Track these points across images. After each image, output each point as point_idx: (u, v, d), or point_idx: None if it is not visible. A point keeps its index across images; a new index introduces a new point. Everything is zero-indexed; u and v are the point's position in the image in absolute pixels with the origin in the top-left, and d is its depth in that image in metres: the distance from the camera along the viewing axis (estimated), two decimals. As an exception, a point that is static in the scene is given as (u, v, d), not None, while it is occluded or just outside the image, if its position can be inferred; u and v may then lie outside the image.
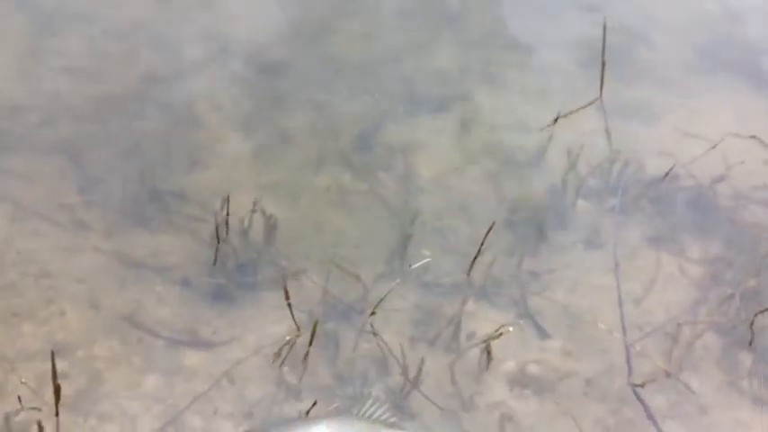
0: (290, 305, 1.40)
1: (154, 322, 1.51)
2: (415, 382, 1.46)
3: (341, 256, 1.68)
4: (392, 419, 1.10)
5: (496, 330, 1.48)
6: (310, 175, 1.90)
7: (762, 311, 1.58)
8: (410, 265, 1.49)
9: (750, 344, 1.57)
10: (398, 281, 1.55)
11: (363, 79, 2.21)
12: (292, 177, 1.88)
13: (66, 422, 1.30)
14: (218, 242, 1.61)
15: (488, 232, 1.59)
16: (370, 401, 1.11)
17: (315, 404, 1.34)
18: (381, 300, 1.49)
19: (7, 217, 1.65)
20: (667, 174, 1.90)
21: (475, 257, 1.65)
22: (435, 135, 2.07)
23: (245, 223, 1.68)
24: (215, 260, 1.61)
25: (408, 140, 2.03)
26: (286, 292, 1.39)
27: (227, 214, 1.62)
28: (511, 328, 1.50)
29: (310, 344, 1.43)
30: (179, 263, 1.63)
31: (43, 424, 1.25)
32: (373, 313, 1.50)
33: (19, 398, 1.28)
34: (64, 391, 1.29)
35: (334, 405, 1.23)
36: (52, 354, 1.20)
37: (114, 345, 1.45)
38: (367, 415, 1.09)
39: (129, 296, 1.55)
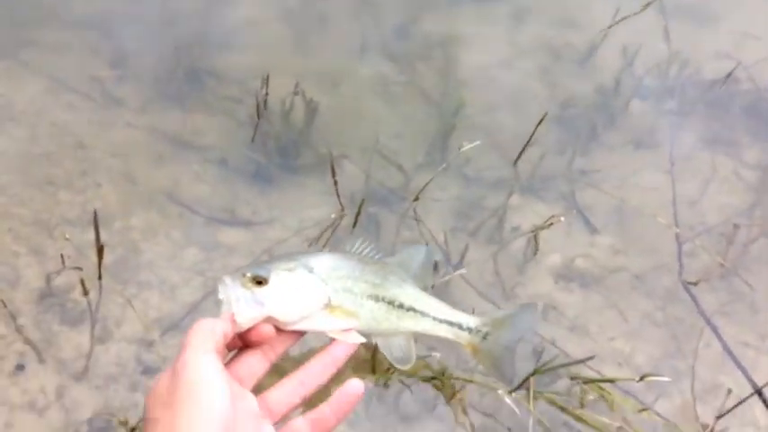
0: (336, 182, 1.35)
1: (192, 199, 1.47)
2: (458, 268, 1.42)
3: (381, 145, 1.62)
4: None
5: (546, 221, 1.43)
6: (351, 63, 1.82)
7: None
8: (459, 148, 1.42)
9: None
10: (444, 165, 1.49)
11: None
12: (333, 64, 1.80)
13: (106, 288, 1.28)
14: (258, 118, 1.55)
15: (540, 123, 1.52)
16: (359, 240, 1.10)
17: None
18: (426, 185, 1.43)
19: (41, 89, 1.60)
20: (728, 76, 1.81)
21: (523, 148, 1.58)
22: (483, 26, 1.98)
23: (286, 105, 1.62)
24: (253, 138, 1.56)
25: (453, 31, 1.94)
26: (332, 170, 1.33)
27: (267, 94, 1.56)
28: (562, 218, 1.44)
29: (355, 223, 1.39)
30: (216, 142, 1.58)
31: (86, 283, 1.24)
32: (417, 199, 1.45)
33: (62, 256, 1.26)
34: (104, 260, 1.27)
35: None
36: (95, 214, 1.16)
37: (152, 218, 1.42)
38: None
39: (166, 172, 1.51)
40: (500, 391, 1.11)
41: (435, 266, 1.21)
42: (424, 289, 1.08)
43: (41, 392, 1.16)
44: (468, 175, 1.61)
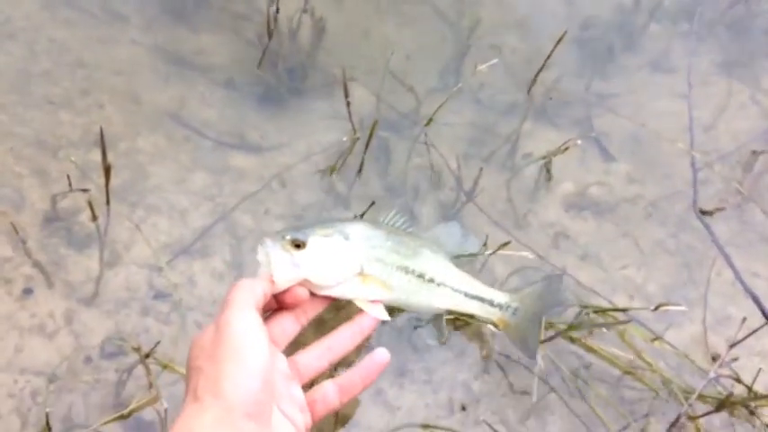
0: (348, 103, 1.31)
1: (199, 122, 1.43)
2: (470, 195, 1.40)
3: (392, 67, 1.56)
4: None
5: (562, 145, 1.40)
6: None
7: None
8: (476, 66, 1.38)
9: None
10: (459, 86, 1.44)
11: None
12: (340, -20, 1.73)
13: (113, 211, 1.26)
14: (269, 38, 1.49)
15: (557, 44, 1.46)
16: (393, 212, 1.11)
17: (372, 204, 1.28)
18: (439, 108, 1.39)
19: (38, 4, 1.53)
20: (742, -2, 1.75)
21: (538, 72, 1.53)
22: None
23: (294, 24, 1.56)
24: (260, 60, 1.51)
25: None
26: (345, 90, 1.29)
27: (277, 10, 1.50)
28: (579, 141, 1.42)
29: (366, 147, 1.36)
30: (223, 63, 1.53)
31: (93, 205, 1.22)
32: (429, 122, 1.41)
33: (68, 177, 1.23)
34: (110, 182, 1.24)
35: (393, 212, 1.17)
36: (101, 133, 1.13)
37: (159, 140, 1.38)
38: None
39: (172, 93, 1.46)
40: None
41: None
42: (457, 265, 1.12)
43: (50, 317, 1.16)
44: (481, 100, 1.56)
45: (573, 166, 1.49)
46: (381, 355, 0.98)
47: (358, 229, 1.04)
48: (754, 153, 1.47)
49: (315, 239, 0.98)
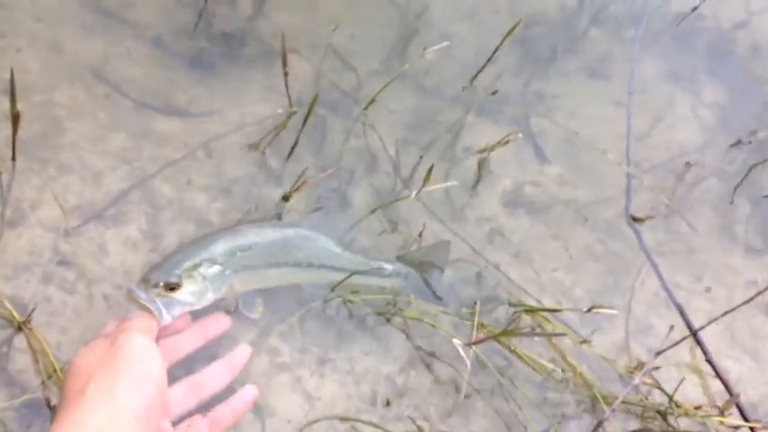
0: (286, 74, 1.24)
1: (122, 80, 1.33)
2: (407, 183, 1.35)
3: (335, 43, 1.50)
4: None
5: (501, 140, 1.37)
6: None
7: (761, 163, 1.52)
8: (425, 48, 1.33)
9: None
10: (406, 66, 1.38)
11: None
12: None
13: (21, 168, 1.15)
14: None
15: (507, 36, 1.43)
16: None
17: (301, 184, 1.22)
18: (382, 89, 1.33)
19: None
20: (693, 9, 1.76)
21: (483, 65, 1.50)
22: None
23: (234, -13, 1.48)
24: (197, 22, 1.42)
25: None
26: (284, 60, 1.21)
27: (216, -31, 1.41)
28: (521, 134, 1.40)
29: (305, 122, 1.29)
30: (154, 20, 1.42)
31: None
32: (372, 102, 1.35)
33: (-30, 125, 1.11)
34: (20, 135, 1.13)
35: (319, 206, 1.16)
36: (11, 75, 1.01)
37: (77, 94, 1.27)
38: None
39: (96, 46, 1.35)
40: (455, 341, 1.08)
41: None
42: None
43: (-60, 276, 1.04)
44: (425, 87, 1.52)
45: (510, 163, 1.46)
46: (249, 391, 0.99)
47: (221, 246, 1.06)
48: (688, 164, 1.49)
49: (187, 277, 1.00)
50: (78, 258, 1.10)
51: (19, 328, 1.02)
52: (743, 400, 1.20)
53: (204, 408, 0.96)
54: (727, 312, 1.16)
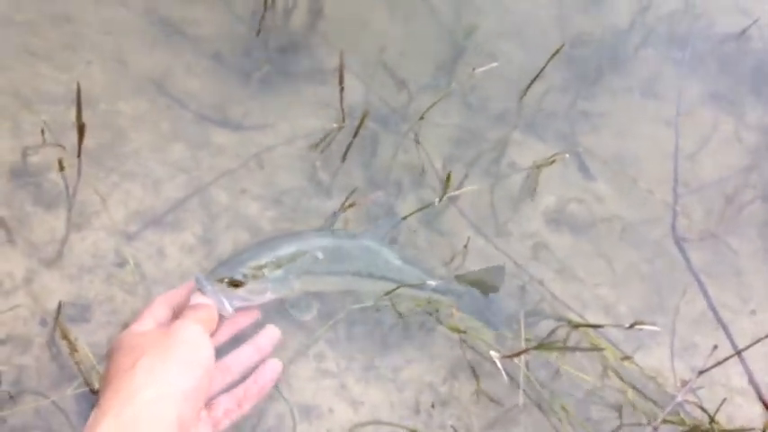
0: (342, 89, 1.28)
1: (182, 92, 1.38)
2: (453, 198, 1.38)
3: (386, 59, 1.54)
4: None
5: (549, 158, 1.39)
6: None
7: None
8: (473, 69, 1.36)
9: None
10: (453, 85, 1.42)
11: None
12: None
13: (86, 174, 1.21)
14: (265, 10, 1.45)
15: (553, 56, 1.45)
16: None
17: (351, 204, 1.26)
18: (431, 106, 1.37)
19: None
20: (743, 32, 1.76)
21: (531, 83, 1.53)
22: None
23: (289, 4, 1.53)
24: (258, 31, 1.47)
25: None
26: (341, 75, 1.25)
27: (274, -13, 1.47)
28: (567, 155, 1.41)
29: (355, 135, 1.33)
30: (213, 35, 1.48)
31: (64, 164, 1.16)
32: (422, 118, 1.39)
33: (42, 132, 1.17)
34: (85, 143, 1.19)
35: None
36: (78, 88, 1.07)
37: (140, 105, 1.33)
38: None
39: (158, 60, 1.41)
40: (492, 353, 1.10)
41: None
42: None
43: (8, 276, 1.10)
44: (471, 104, 1.55)
45: (555, 180, 1.48)
46: (273, 366, 1.01)
47: (286, 251, 1.10)
48: (735, 186, 1.49)
49: (251, 277, 1.04)
50: (138, 261, 1.15)
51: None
52: (788, 423, 1.19)
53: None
54: (772, 333, 1.16)
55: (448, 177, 1.24)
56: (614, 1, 1.81)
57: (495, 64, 1.36)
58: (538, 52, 1.57)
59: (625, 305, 1.35)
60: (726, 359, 1.14)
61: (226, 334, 1.03)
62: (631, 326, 1.09)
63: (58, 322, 1.06)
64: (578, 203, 1.46)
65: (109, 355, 0.90)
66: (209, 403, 0.94)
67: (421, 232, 1.33)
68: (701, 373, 1.13)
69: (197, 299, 0.98)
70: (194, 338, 0.90)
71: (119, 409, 0.79)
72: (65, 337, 1.03)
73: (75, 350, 1.03)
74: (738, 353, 1.19)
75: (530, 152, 1.50)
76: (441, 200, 1.26)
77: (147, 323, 0.94)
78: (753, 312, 1.39)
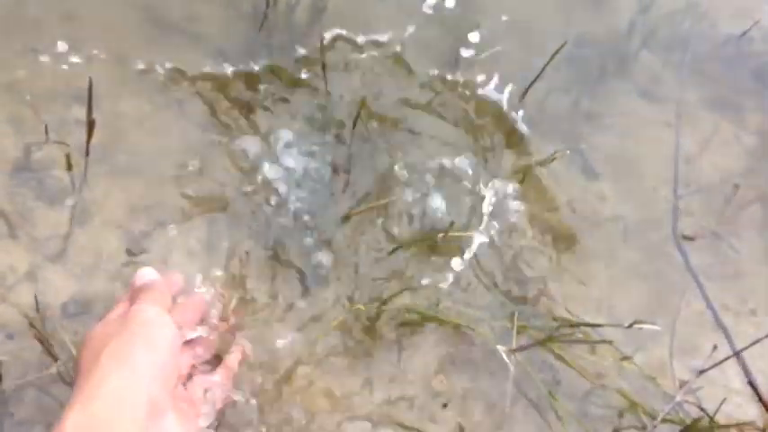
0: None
1: (185, 90, 1.38)
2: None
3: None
4: None
5: (551, 155, 1.40)
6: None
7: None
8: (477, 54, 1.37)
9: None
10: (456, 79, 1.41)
11: None
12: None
13: (90, 171, 1.21)
14: (267, 7, 1.46)
15: (554, 55, 1.46)
16: None
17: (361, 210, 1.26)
18: (429, 101, 1.38)
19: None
20: (744, 34, 1.77)
21: (531, 84, 1.53)
22: None
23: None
24: (261, 25, 1.47)
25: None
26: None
27: (277, -13, 1.47)
28: (569, 151, 1.42)
29: (354, 126, 1.33)
30: (215, 33, 1.48)
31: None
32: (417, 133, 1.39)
33: (46, 128, 1.17)
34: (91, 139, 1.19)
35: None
36: (90, 84, 1.08)
37: (143, 105, 1.33)
38: None
39: (160, 58, 1.41)
40: (499, 347, 1.11)
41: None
42: None
43: (11, 270, 1.10)
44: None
45: (557, 179, 1.48)
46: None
47: None
48: (736, 186, 1.49)
49: None
50: (143, 261, 1.16)
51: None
52: (787, 424, 1.20)
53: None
54: (770, 335, 1.16)
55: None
56: (616, 2, 1.82)
57: (498, 48, 1.37)
58: (539, 53, 1.57)
59: (625, 306, 1.35)
60: (724, 360, 1.15)
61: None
62: (630, 325, 1.10)
63: (58, 319, 1.06)
64: (579, 202, 1.47)
65: (78, 353, 0.90)
66: (185, 382, 0.95)
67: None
68: (700, 373, 1.14)
69: (143, 279, 0.99)
70: (153, 318, 0.90)
71: (86, 401, 0.79)
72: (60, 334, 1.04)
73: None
74: (737, 353, 1.20)
75: (531, 151, 1.50)
76: (445, 235, 1.24)
77: (110, 316, 0.94)
78: (753, 312, 1.40)
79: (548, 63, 1.47)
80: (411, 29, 1.58)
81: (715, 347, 1.16)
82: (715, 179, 1.57)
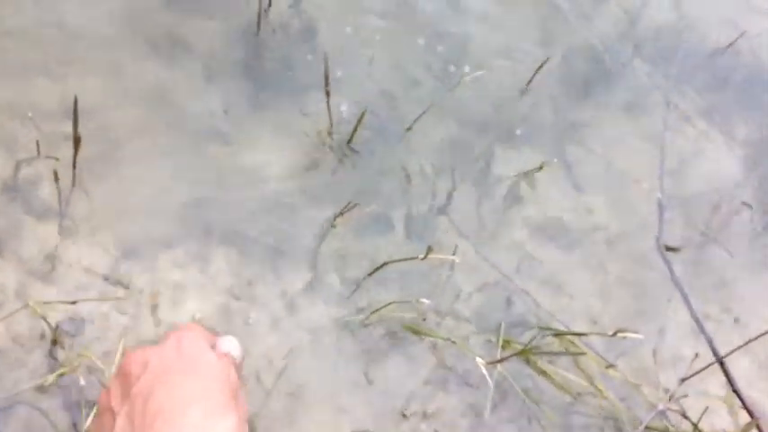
0: (328, 93, 1.31)
1: (178, 105, 1.41)
2: (443, 209, 1.40)
3: (375, 73, 1.57)
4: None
5: (536, 167, 1.42)
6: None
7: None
8: (462, 76, 1.39)
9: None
10: (444, 94, 1.44)
11: None
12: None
13: (78, 186, 1.23)
14: (259, 21, 1.48)
15: (540, 68, 1.48)
16: None
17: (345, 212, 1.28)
18: (418, 117, 1.40)
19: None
20: (729, 45, 1.79)
21: (517, 96, 1.55)
22: None
23: (284, 18, 1.55)
24: (258, 30, 1.49)
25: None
26: (326, 78, 1.28)
27: (269, 4, 1.50)
28: (555, 160, 1.44)
29: (351, 138, 1.35)
30: (208, 50, 1.50)
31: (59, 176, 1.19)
32: (410, 128, 1.41)
33: (37, 143, 1.20)
34: (80, 156, 1.21)
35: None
36: (75, 101, 1.10)
37: (135, 120, 1.35)
38: None
39: (153, 74, 1.43)
40: (478, 359, 1.12)
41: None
42: None
43: (1, 288, 1.12)
44: (459, 116, 1.57)
45: (543, 190, 1.50)
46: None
47: None
48: (720, 199, 1.51)
49: None
50: (130, 279, 1.18)
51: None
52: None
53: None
54: (750, 341, 1.18)
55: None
56: (603, 14, 1.84)
57: (481, 72, 1.39)
58: (527, 66, 1.59)
59: (610, 315, 1.37)
60: (707, 366, 1.17)
61: None
62: (614, 334, 1.11)
63: (55, 334, 1.08)
64: (565, 214, 1.48)
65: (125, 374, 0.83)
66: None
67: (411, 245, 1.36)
68: (682, 380, 1.15)
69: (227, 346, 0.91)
70: (207, 354, 0.84)
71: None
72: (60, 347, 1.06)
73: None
74: (720, 361, 1.21)
75: (518, 163, 1.52)
76: (425, 257, 1.23)
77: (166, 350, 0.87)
78: (736, 321, 1.41)
79: (532, 78, 1.50)
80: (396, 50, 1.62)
81: (696, 356, 1.17)
82: (701, 189, 1.58)
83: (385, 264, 1.26)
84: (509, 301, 1.32)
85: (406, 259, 1.26)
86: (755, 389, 1.34)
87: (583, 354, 1.16)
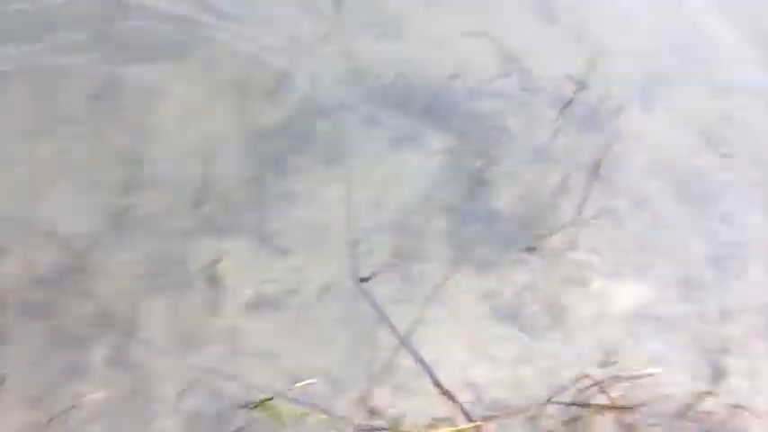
0: None
1: None
2: (131, 334, 1.44)
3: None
4: None
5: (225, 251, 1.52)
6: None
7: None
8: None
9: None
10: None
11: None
12: None
13: None
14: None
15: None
16: None
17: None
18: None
19: None
20: (398, 76, 1.97)
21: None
22: (176, 78, 1.97)
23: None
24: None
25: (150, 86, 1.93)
26: None
27: None
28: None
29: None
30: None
31: None
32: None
33: None
34: None
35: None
36: None
37: None
38: None
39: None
40: None
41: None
42: None
43: None
44: (150, 229, 1.61)
45: (247, 270, 1.57)
46: None
47: None
48: (416, 209, 1.70)
49: None
50: None
51: None
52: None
53: None
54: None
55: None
56: (291, 87, 1.94)
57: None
58: (221, 161, 1.69)
59: (330, 360, 1.44)
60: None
61: None
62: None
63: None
64: (272, 283, 1.55)
65: None
66: None
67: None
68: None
69: None
70: None
71: None
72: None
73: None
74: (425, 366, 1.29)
75: (218, 253, 1.58)
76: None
77: None
78: (435, 321, 1.54)
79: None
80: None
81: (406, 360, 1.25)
82: (396, 212, 1.71)
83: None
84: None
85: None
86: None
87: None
